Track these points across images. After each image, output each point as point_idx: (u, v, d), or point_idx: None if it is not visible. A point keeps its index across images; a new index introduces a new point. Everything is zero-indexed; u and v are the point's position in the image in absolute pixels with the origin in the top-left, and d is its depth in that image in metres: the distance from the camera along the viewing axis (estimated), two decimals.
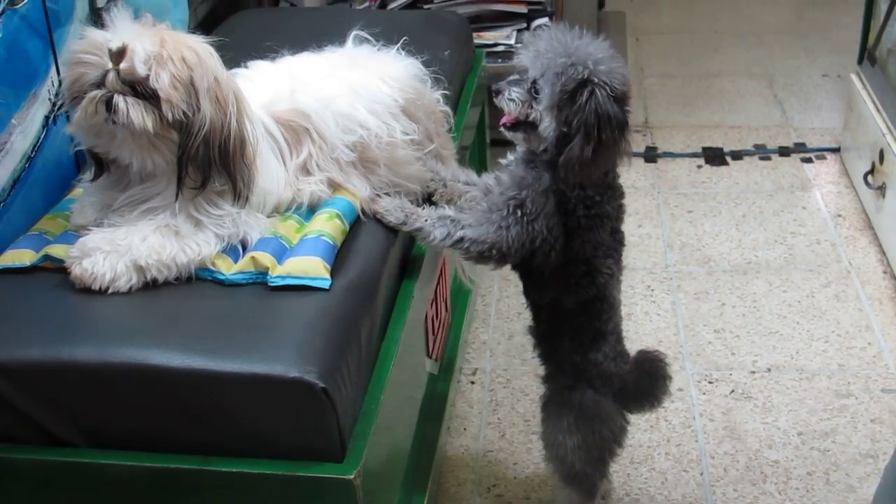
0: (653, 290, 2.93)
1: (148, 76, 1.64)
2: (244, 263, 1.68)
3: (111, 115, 1.65)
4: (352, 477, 1.49)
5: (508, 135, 1.81)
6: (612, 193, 1.82)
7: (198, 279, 1.68)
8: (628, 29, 4.75)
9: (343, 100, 1.90)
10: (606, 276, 1.86)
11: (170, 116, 1.66)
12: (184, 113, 1.66)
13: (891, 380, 2.55)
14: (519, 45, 2.99)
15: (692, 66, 4.43)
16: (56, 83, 2.12)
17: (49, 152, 2.09)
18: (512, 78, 1.78)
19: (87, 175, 1.89)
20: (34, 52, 2.06)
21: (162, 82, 1.64)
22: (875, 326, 2.74)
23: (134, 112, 1.65)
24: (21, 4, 2.00)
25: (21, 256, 1.74)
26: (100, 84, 1.66)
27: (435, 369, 2.25)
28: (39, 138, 2.06)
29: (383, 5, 3.27)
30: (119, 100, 1.65)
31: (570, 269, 1.83)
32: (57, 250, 1.71)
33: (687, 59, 4.49)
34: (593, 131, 1.66)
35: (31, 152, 2.03)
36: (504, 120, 1.80)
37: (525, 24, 3.25)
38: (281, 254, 1.70)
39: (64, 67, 1.69)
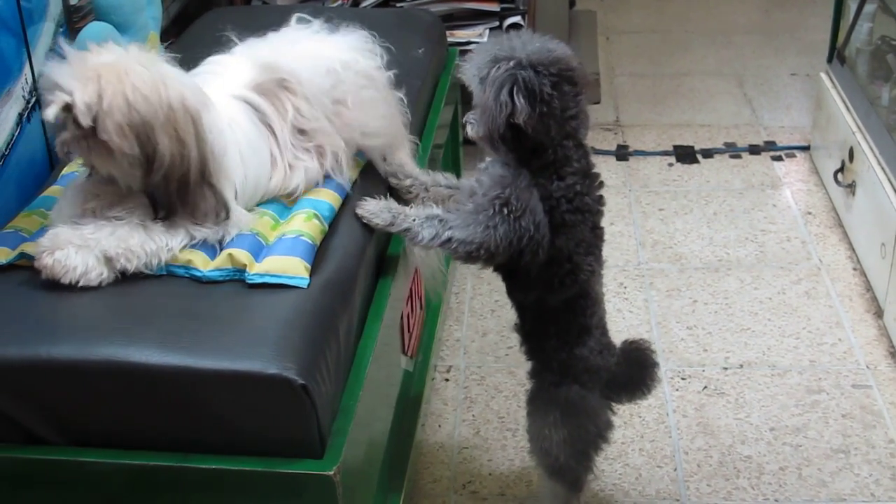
0: (625, 287, 2.95)
1: (94, 128, 1.61)
2: (221, 260, 1.68)
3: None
4: (332, 473, 1.49)
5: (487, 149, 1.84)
6: (591, 182, 1.84)
7: (175, 276, 1.68)
8: (599, 28, 4.77)
9: (312, 47, 1.95)
10: (588, 272, 1.88)
11: (125, 164, 1.64)
12: (142, 153, 1.64)
13: (861, 375, 2.58)
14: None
15: (663, 65, 4.45)
16: (30, 80, 2.12)
17: (23, 150, 2.08)
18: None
19: (66, 172, 1.90)
20: (7, 50, 2.05)
21: (108, 133, 1.61)
22: (845, 323, 2.77)
23: (94, 158, 1.65)
24: None
25: None
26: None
27: (410, 366, 2.25)
28: (13, 136, 2.05)
29: (356, 3, 3.27)
30: (80, 148, 1.64)
31: (553, 267, 1.84)
32: (33, 248, 1.70)
33: (657, 59, 4.52)
34: (535, 89, 1.70)
35: (6, 150, 2.02)
36: (473, 139, 1.84)
37: (497, 23, 3.25)
38: (258, 251, 1.70)
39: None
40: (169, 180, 1.67)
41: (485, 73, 1.74)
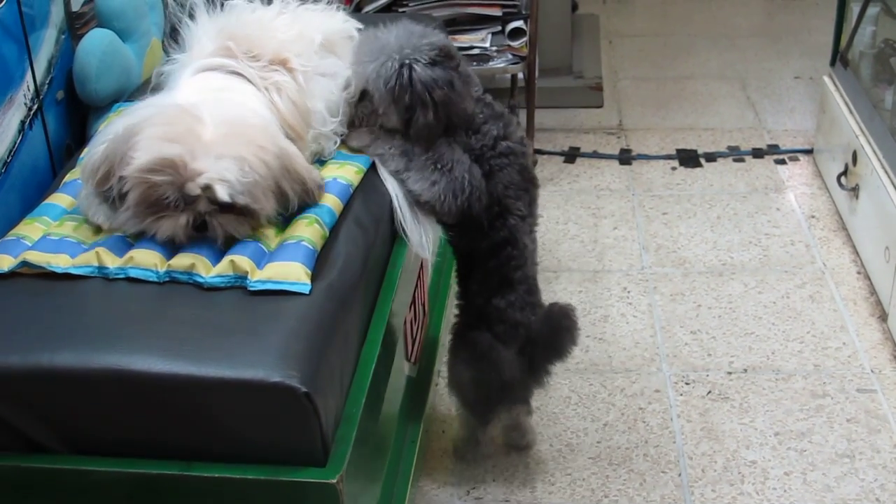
0: (629, 292, 2.95)
1: (235, 201, 1.67)
2: (223, 267, 1.68)
3: (203, 233, 1.70)
4: (335, 481, 1.49)
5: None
6: (508, 124, 2.03)
7: (177, 282, 1.68)
8: (602, 32, 4.76)
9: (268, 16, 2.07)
10: (517, 217, 2.02)
11: (264, 221, 1.73)
12: (278, 204, 1.76)
13: (866, 379, 2.57)
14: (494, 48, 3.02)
15: (666, 68, 4.45)
16: (32, 88, 2.12)
17: (25, 157, 2.09)
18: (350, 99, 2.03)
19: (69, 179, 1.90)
20: (10, 57, 2.05)
21: (256, 201, 1.69)
22: (850, 327, 2.77)
23: (231, 228, 1.70)
24: None
25: None
26: (178, 202, 1.67)
27: (413, 372, 2.25)
28: (16, 143, 2.05)
29: (358, 8, 3.27)
30: (214, 223, 1.69)
31: (486, 210, 2.00)
32: (35, 256, 1.70)
33: (660, 62, 4.51)
34: (426, 97, 1.91)
35: (8, 157, 2.02)
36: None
37: (500, 27, 3.25)
38: (260, 258, 1.70)
39: (130, 182, 1.68)
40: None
41: (382, 73, 1.92)
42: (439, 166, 1.95)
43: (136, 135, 1.70)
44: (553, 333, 2.10)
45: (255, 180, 1.68)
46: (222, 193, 1.64)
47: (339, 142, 2.04)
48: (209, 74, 1.92)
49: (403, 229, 2.01)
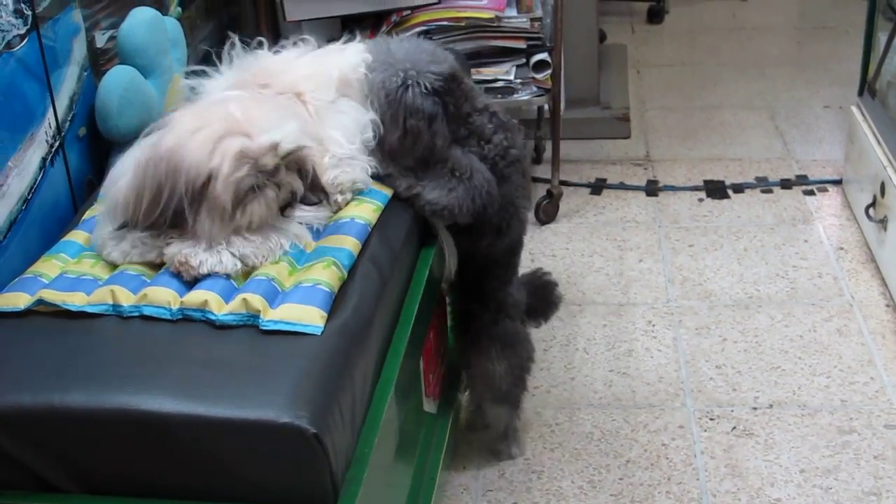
0: (654, 325, 2.92)
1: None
2: (235, 305, 1.67)
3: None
4: None
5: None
6: (513, 133, 2.15)
7: (189, 320, 1.68)
8: (630, 61, 4.76)
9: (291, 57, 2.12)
10: (524, 212, 2.21)
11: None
12: None
13: (894, 415, 2.53)
14: (518, 81, 3.04)
15: (694, 98, 4.43)
16: (53, 125, 2.13)
17: (46, 194, 2.10)
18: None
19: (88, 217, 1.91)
20: (31, 95, 2.07)
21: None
22: (878, 361, 2.73)
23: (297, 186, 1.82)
24: (18, 47, 2.01)
25: (16, 300, 1.73)
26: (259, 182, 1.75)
27: (433, 408, 2.24)
28: (36, 180, 2.07)
29: None
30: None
31: (500, 213, 2.12)
32: (50, 295, 1.71)
33: (688, 92, 4.50)
34: (399, 120, 1.98)
35: (28, 194, 2.04)
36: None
37: (524, 60, 3.24)
38: (273, 297, 1.69)
39: (221, 187, 1.73)
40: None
41: (386, 84, 2.00)
42: (457, 174, 2.03)
43: (174, 152, 1.72)
44: (543, 300, 2.48)
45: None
46: (290, 144, 1.74)
47: (370, 171, 2.03)
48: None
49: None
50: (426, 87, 1.98)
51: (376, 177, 2.02)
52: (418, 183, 2.03)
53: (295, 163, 1.79)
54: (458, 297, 2.31)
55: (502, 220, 2.14)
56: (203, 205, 1.73)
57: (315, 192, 1.87)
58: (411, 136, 2.00)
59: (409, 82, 1.98)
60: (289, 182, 1.79)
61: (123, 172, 1.82)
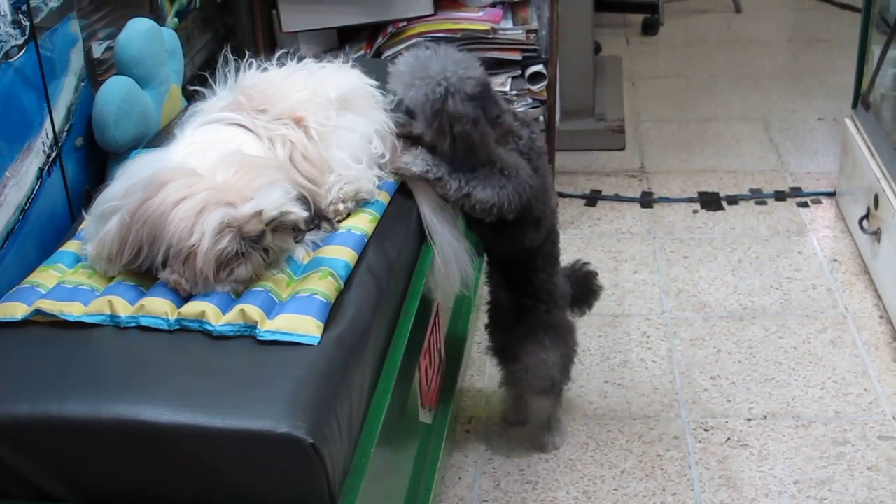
0: (648, 336, 2.93)
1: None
2: (233, 315, 1.68)
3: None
4: None
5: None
6: (534, 128, 2.25)
7: (186, 330, 1.68)
8: (624, 74, 4.77)
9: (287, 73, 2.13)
10: (555, 203, 2.31)
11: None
12: None
13: (887, 427, 2.54)
14: (514, 92, 3.04)
15: (688, 110, 4.45)
16: (50, 135, 2.14)
17: (43, 204, 2.10)
18: (388, 106, 2.14)
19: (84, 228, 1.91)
20: (29, 105, 2.08)
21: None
22: (871, 373, 2.74)
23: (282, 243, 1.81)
24: (16, 58, 2.02)
25: (13, 310, 1.74)
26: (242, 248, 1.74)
27: (429, 419, 2.24)
28: (34, 190, 2.07)
29: (378, 53, 3.29)
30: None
31: (537, 205, 2.19)
32: (48, 304, 1.71)
33: (683, 104, 4.51)
34: (445, 128, 2.03)
35: (25, 204, 2.04)
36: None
37: (520, 72, 3.26)
38: (270, 308, 1.70)
39: (201, 262, 1.72)
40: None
41: (430, 96, 2.04)
42: (505, 173, 2.10)
43: (156, 222, 1.71)
44: (586, 290, 2.53)
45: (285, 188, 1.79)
46: (273, 211, 1.74)
47: (377, 181, 2.06)
48: (212, 126, 1.94)
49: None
50: (465, 94, 2.04)
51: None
52: (468, 184, 2.10)
53: (283, 225, 1.78)
54: (511, 293, 2.35)
55: (540, 212, 2.22)
56: (186, 271, 1.73)
57: (317, 220, 1.89)
58: (462, 142, 2.05)
59: (451, 90, 2.03)
60: (278, 245, 1.79)
61: (113, 197, 1.80)
